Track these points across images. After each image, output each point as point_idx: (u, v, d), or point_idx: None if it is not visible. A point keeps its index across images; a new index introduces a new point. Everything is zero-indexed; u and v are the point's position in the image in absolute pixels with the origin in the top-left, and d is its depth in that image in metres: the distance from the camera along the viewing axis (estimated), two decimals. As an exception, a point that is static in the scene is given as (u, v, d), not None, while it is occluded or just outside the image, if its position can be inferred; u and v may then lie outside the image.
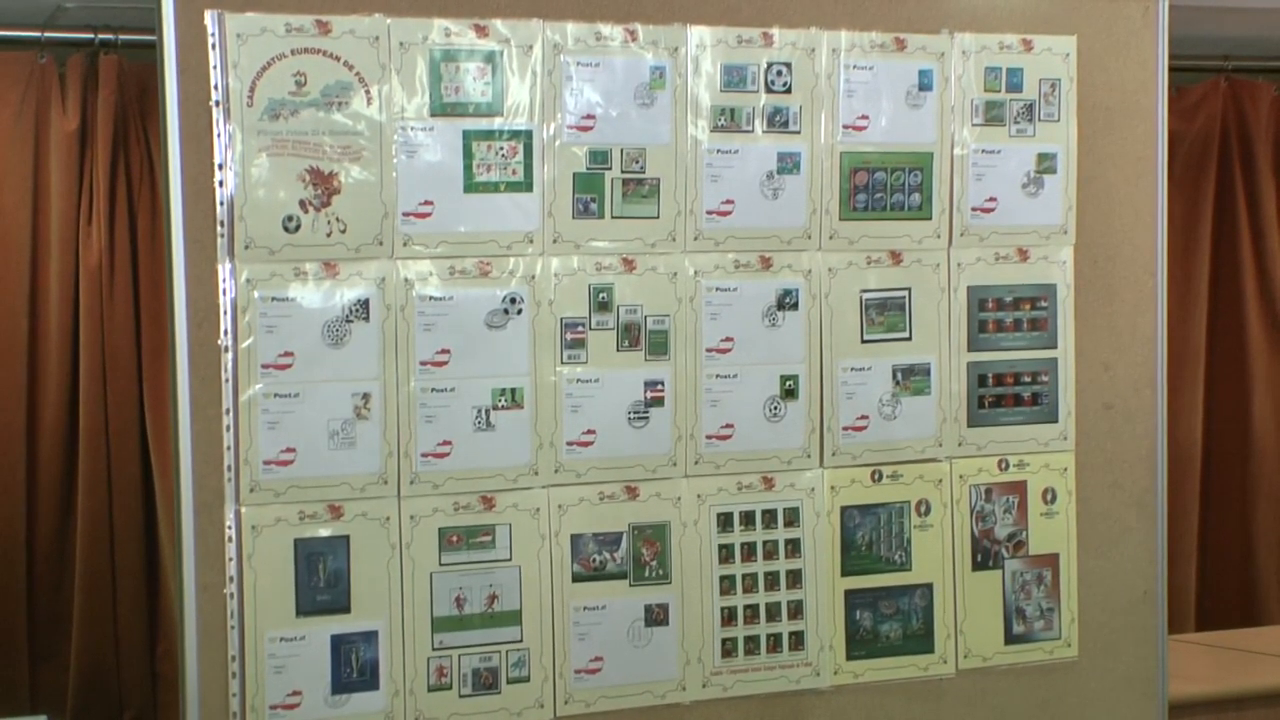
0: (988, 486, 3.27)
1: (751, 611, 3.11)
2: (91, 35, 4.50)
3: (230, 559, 2.79)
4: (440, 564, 2.91)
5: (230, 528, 2.79)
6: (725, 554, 3.10)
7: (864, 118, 3.15)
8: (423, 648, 2.91)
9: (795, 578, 3.14)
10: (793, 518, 3.14)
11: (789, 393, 3.12)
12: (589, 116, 2.97)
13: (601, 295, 3.00)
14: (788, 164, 3.10)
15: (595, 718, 3.02)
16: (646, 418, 3.03)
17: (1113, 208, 3.34)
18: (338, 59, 2.82)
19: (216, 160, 2.77)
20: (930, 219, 3.20)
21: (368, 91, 2.84)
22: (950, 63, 3.20)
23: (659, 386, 3.04)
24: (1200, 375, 5.48)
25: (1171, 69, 3.40)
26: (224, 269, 2.78)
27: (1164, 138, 3.38)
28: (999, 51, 3.23)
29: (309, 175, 2.82)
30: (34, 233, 4.54)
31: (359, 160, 2.84)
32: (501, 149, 2.92)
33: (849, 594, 3.18)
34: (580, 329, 2.99)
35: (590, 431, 2.99)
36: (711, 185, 3.05)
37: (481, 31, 2.90)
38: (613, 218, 3.00)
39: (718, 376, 3.08)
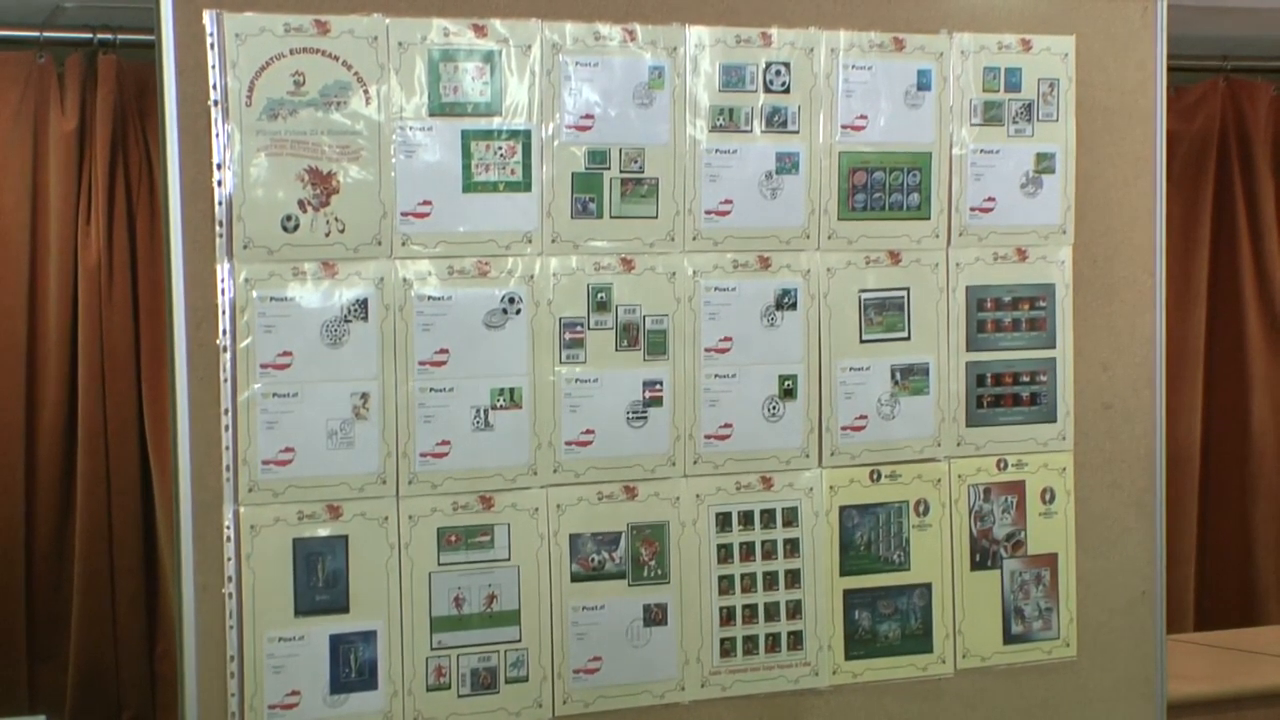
0: (986, 486, 3.27)
1: (750, 611, 3.11)
2: (90, 35, 4.50)
3: (229, 559, 2.79)
4: (439, 564, 2.91)
5: (229, 528, 2.79)
6: (724, 554, 3.10)
7: (862, 117, 3.15)
8: (421, 648, 2.91)
9: (794, 577, 3.14)
10: (791, 517, 3.14)
11: (788, 392, 3.12)
12: (588, 116, 2.97)
13: (600, 295, 3.00)
14: (786, 164, 3.10)
15: (594, 717, 3.02)
16: (645, 417, 3.03)
17: (1111, 208, 3.34)
18: (336, 59, 2.82)
19: (215, 160, 2.77)
20: (929, 219, 3.20)
21: (366, 91, 2.84)
22: (949, 63, 3.20)
23: (657, 386, 3.04)
24: (1199, 375, 5.48)
25: (1170, 69, 3.40)
26: (223, 269, 2.78)
27: (1163, 138, 3.38)
28: (998, 51, 3.23)
29: (308, 175, 2.82)
30: (33, 232, 4.54)
31: (358, 160, 2.84)
32: (500, 149, 2.92)
33: (848, 594, 3.18)
34: (579, 329, 2.99)
35: (589, 431, 2.99)
36: (710, 185, 3.05)
37: (480, 31, 2.90)
38: (611, 217, 3.00)
39: (716, 376, 3.07)
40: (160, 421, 4.49)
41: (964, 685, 3.26)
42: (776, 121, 3.09)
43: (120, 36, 4.49)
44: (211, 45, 2.75)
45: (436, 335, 2.90)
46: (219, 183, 2.77)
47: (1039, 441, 3.30)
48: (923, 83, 3.18)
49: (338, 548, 2.86)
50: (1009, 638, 3.29)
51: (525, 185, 2.94)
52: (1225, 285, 5.52)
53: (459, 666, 2.93)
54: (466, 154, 2.91)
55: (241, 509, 2.80)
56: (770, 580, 3.13)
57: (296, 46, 2.80)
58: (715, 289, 3.07)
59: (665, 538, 3.05)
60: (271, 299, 2.80)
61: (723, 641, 3.09)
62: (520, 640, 2.96)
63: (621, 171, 3.00)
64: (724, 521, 3.09)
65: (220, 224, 2.77)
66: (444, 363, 2.91)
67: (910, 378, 3.20)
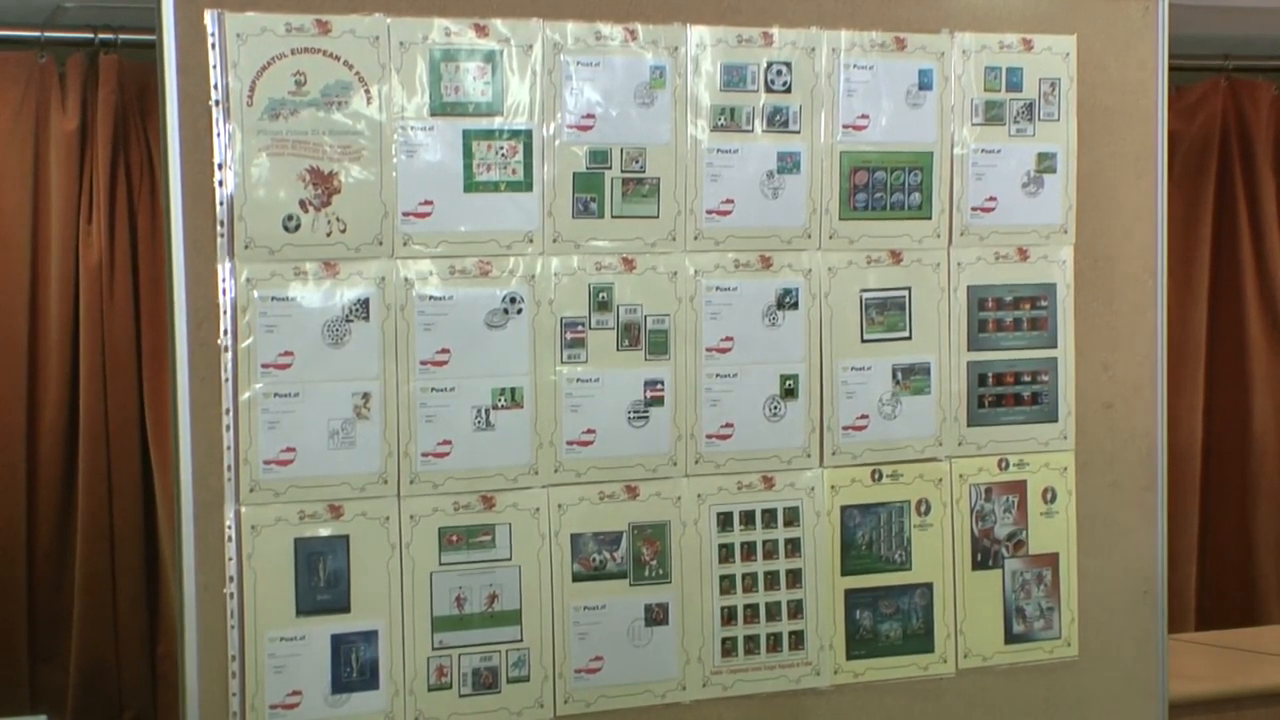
0: (987, 486, 3.27)
1: (751, 611, 3.11)
2: (91, 35, 4.50)
3: (230, 559, 2.79)
4: (440, 563, 2.91)
5: (230, 527, 2.79)
6: (725, 553, 3.10)
7: (864, 117, 3.15)
8: (423, 647, 2.91)
9: (795, 577, 3.14)
10: (793, 517, 3.14)
11: (789, 392, 3.12)
12: (589, 116, 2.97)
13: (601, 295, 3.00)
14: (788, 163, 3.10)
15: (595, 717, 3.02)
16: (646, 417, 3.03)
17: (1113, 207, 3.34)
18: (338, 59, 2.82)
19: (216, 160, 2.77)
20: (930, 218, 3.20)
21: (367, 91, 2.84)
22: (950, 62, 3.20)
23: (659, 386, 3.04)
24: (1200, 375, 5.48)
25: (1171, 68, 3.40)
26: (224, 268, 2.78)
27: (1164, 137, 3.38)
28: (999, 51, 3.23)
29: (309, 175, 2.82)
30: (34, 232, 4.54)
31: (359, 160, 2.84)
32: (501, 148, 2.92)
33: (849, 593, 3.18)
34: (580, 328, 2.99)
35: (590, 431, 2.99)
36: (711, 185, 3.05)
37: (481, 31, 2.90)
38: (613, 217, 3.00)
39: (718, 376, 3.07)
40: (161, 421, 4.49)
41: (965, 685, 3.26)
42: (778, 121, 3.09)
43: (121, 36, 4.49)
44: (213, 45, 2.75)
45: (438, 335, 2.90)
46: (220, 183, 2.77)
47: (1040, 441, 3.30)
48: (924, 82, 3.18)
49: (339, 547, 2.86)
50: (1010, 637, 3.29)
51: (526, 185, 2.94)
52: (1226, 285, 5.52)
53: (460, 666, 2.93)
54: (468, 154, 2.91)
55: (243, 509, 2.80)
56: (771, 580, 3.13)
57: (298, 46, 2.80)
58: (716, 288, 3.07)
59: (666, 537, 3.05)
60: (273, 299, 2.80)
61: (724, 641, 3.09)
62: (522, 640, 2.96)
63: (623, 171, 3.00)
64: (725, 521, 3.09)
65: (221, 224, 2.77)
66: (445, 362, 2.91)
67: (911, 377, 3.20)
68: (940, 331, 3.22)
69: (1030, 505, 3.29)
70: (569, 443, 2.98)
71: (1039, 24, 3.26)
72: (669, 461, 3.05)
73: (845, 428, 3.16)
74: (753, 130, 3.08)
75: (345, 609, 2.86)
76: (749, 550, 3.11)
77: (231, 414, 2.78)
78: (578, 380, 2.98)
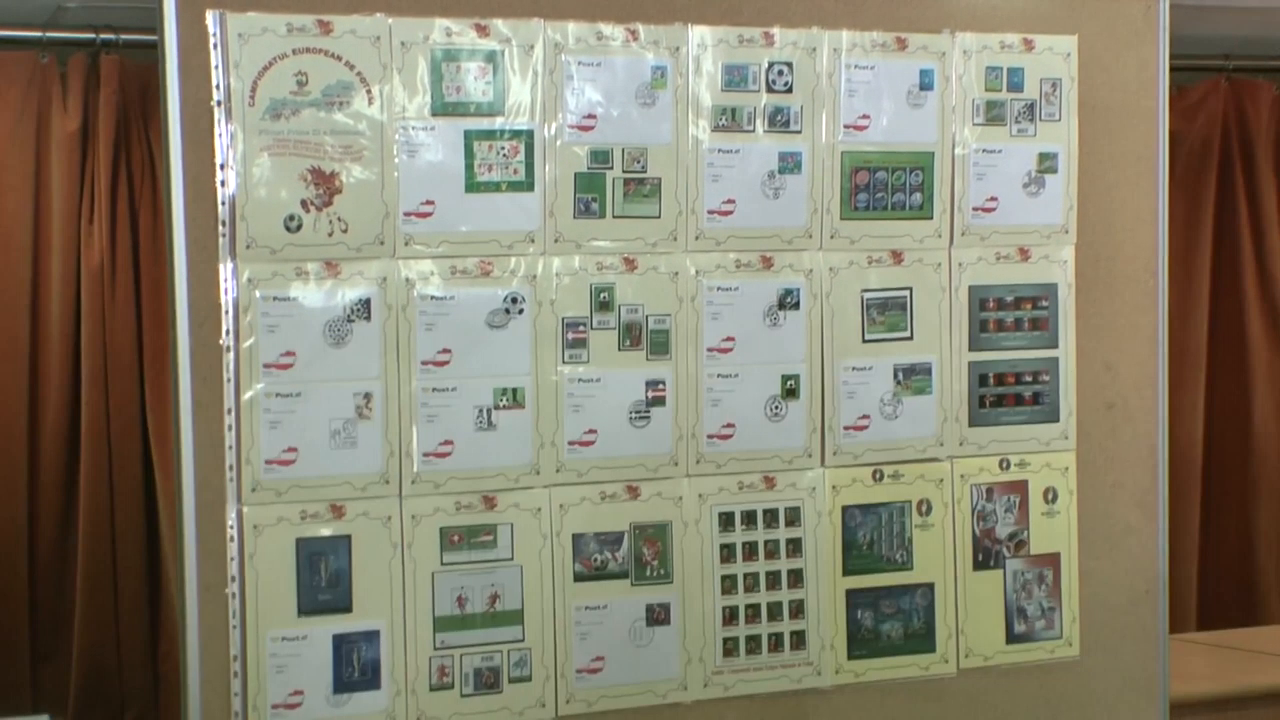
0: (989, 486, 3.27)
1: (753, 611, 3.11)
2: (93, 35, 4.50)
3: (232, 558, 2.79)
4: (442, 563, 2.91)
5: (232, 527, 2.79)
6: (726, 553, 3.10)
7: (865, 117, 3.15)
8: (424, 647, 2.91)
9: (796, 577, 3.14)
10: (794, 517, 3.14)
11: (790, 392, 3.13)
12: (590, 116, 2.97)
13: (603, 295, 3.00)
14: (789, 163, 3.10)
15: (597, 717, 3.02)
16: (648, 417, 3.03)
17: (1114, 207, 3.34)
18: (339, 59, 2.82)
19: (218, 160, 2.77)
20: (931, 218, 3.20)
21: (369, 91, 2.84)
22: (951, 62, 3.20)
23: (660, 386, 3.04)
24: (1201, 374, 5.48)
25: (1172, 68, 3.40)
26: (225, 268, 2.78)
27: (1165, 137, 3.38)
28: (1000, 51, 3.23)
29: (310, 175, 2.82)
30: (35, 233, 4.54)
31: (360, 160, 2.84)
32: (503, 148, 2.92)
33: (850, 593, 3.18)
34: (581, 328, 2.99)
35: (592, 431, 2.99)
36: (712, 185, 3.05)
37: (483, 31, 2.91)
38: (614, 217, 3.00)
39: (719, 376, 3.08)
40: (163, 421, 4.49)
41: (967, 685, 3.26)
42: (779, 121, 3.09)
43: (123, 37, 4.49)
44: (214, 45, 2.76)
45: (439, 335, 2.90)
46: (222, 183, 2.77)
47: (1041, 441, 3.30)
48: (925, 82, 3.18)
49: (340, 547, 2.86)
50: (1011, 637, 3.29)
51: (528, 185, 2.94)
52: (1227, 284, 5.52)
53: (462, 666, 2.93)
54: (469, 154, 2.91)
55: (244, 509, 2.80)
56: (773, 580, 3.13)
57: (299, 46, 2.80)
58: (718, 289, 3.07)
59: (668, 537, 3.05)
60: (274, 299, 2.81)
61: (725, 641, 3.09)
62: (523, 640, 2.96)
63: (624, 171, 3.00)
64: (727, 521, 3.09)
65: (223, 224, 2.77)
66: (447, 362, 2.91)
67: (913, 377, 3.20)
68: (941, 331, 3.22)
69: (1031, 505, 3.30)
70: (570, 443, 2.98)
71: (1040, 24, 3.27)
72: (670, 461, 3.05)
73: (846, 428, 3.16)
74: (754, 130, 3.08)
75: (347, 609, 2.86)
76: (750, 550, 3.11)
77: (233, 414, 2.78)
78: (579, 380, 2.99)
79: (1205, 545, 5.54)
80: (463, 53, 2.90)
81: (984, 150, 3.23)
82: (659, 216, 3.02)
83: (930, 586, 3.23)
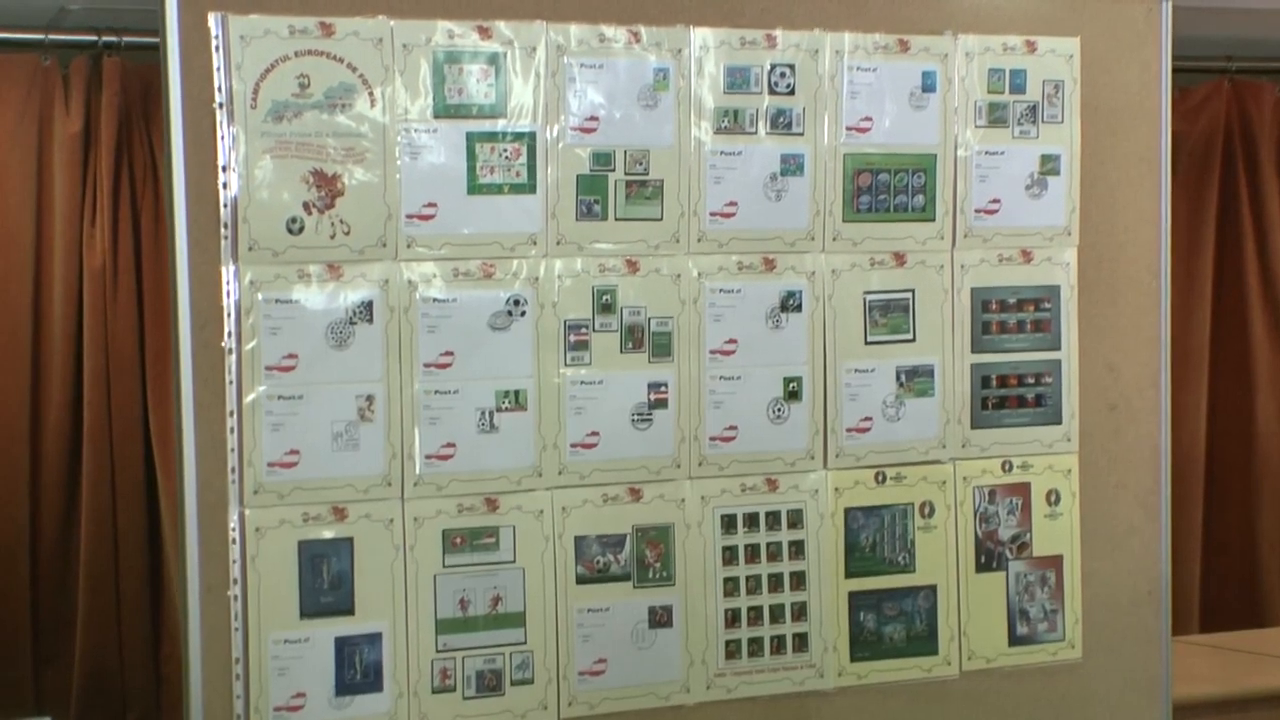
0: (991, 488, 3.27)
1: (755, 613, 3.11)
2: (95, 37, 4.50)
3: (234, 561, 2.79)
4: (444, 566, 2.91)
5: (234, 530, 2.79)
6: (729, 556, 3.10)
7: (867, 119, 3.15)
8: (426, 650, 2.91)
9: (799, 579, 3.14)
10: (796, 519, 3.13)
11: (792, 394, 3.12)
12: (592, 118, 2.97)
13: (605, 297, 3.00)
14: (791, 165, 3.10)
15: (599, 719, 3.02)
16: (650, 420, 3.03)
17: (1116, 209, 3.34)
18: (341, 61, 2.82)
19: (220, 162, 2.77)
20: (934, 220, 3.20)
21: (371, 93, 2.84)
22: (953, 64, 3.19)
23: (662, 388, 3.04)
24: (1204, 376, 5.48)
25: (1175, 70, 3.40)
26: (227, 271, 2.78)
27: (1167, 139, 3.38)
28: (1002, 53, 3.23)
29: (312, 177, 2.82)
30: (38, 235, 4.54)
31: (362, 162, 2.84)
32: (505, 151, 2.92)
33: (853, 595, 3.18)
34: (584, 331, 2.99)
35: (594, 433, 2.99)
36: (715, 187, 3.05)
37: (485, 33, 2.90)
38: (616, 219, 3.00)
39: (721, 378, 3.07)
40: (165, 424, 4.49)
41: (969, 687, 3.26)
42: (781, 123, 3.09)
43: (125, 39, 4.49)
44: (216, 48, 2.75)
45: (441, 337, 2.90)
46: (224, 185, 2.77)
47: (1044, 443, 3.30)
48: (927, 84, 3.18)
49: (343, 550, 2.86)
50: (1014, 639, 3.29)
51: (530, 187, 2.94)
52: (1230, 286, 5.52)
53: (464, 668, 2.93)
54: (471, 156, 2.91)
55: (246, 511, 2.80)
56: (775, 582, 3.13)
57: (301, 49, 2.80)
58: (720, 291, 3.07)
59: (670, 540, 3.05)
60: (276, 301, 2.81)
61: (728, 643, 3.09)
62: (525, 642, 2.96)
63: (626, 173, 3.00)
64: (729, 523, 3.09)
65: (225, 226, 2.77)
66: (449, 365, 2.91)
67: (915, 379, 3.20)
68: (944, 333, 3.22)
69: (1034, 507, 3.29)
70: (573, 445, 2.98)
71: (1042, 26, 3.26)
72: (673, 464, 3.05)
73: (849, 430, 3.16)
74: (756, 132, 3.08)
75: (349, 611, 2.86)
76: (753, 552, 3.11)
77: (235, 416, 2.78)
78: (581, 382, 2.98)
79: (1208, 547, 5.54)
80: (465, 55, 2.90)
81: (986, 152, 3.23)
82: (661, 219, 3.02)
83: (933, 588, 3.23)
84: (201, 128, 2.75)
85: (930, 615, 3.23)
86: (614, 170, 2.99)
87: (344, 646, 2.86)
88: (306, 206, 2.82)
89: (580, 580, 3.00)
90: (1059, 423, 3.30)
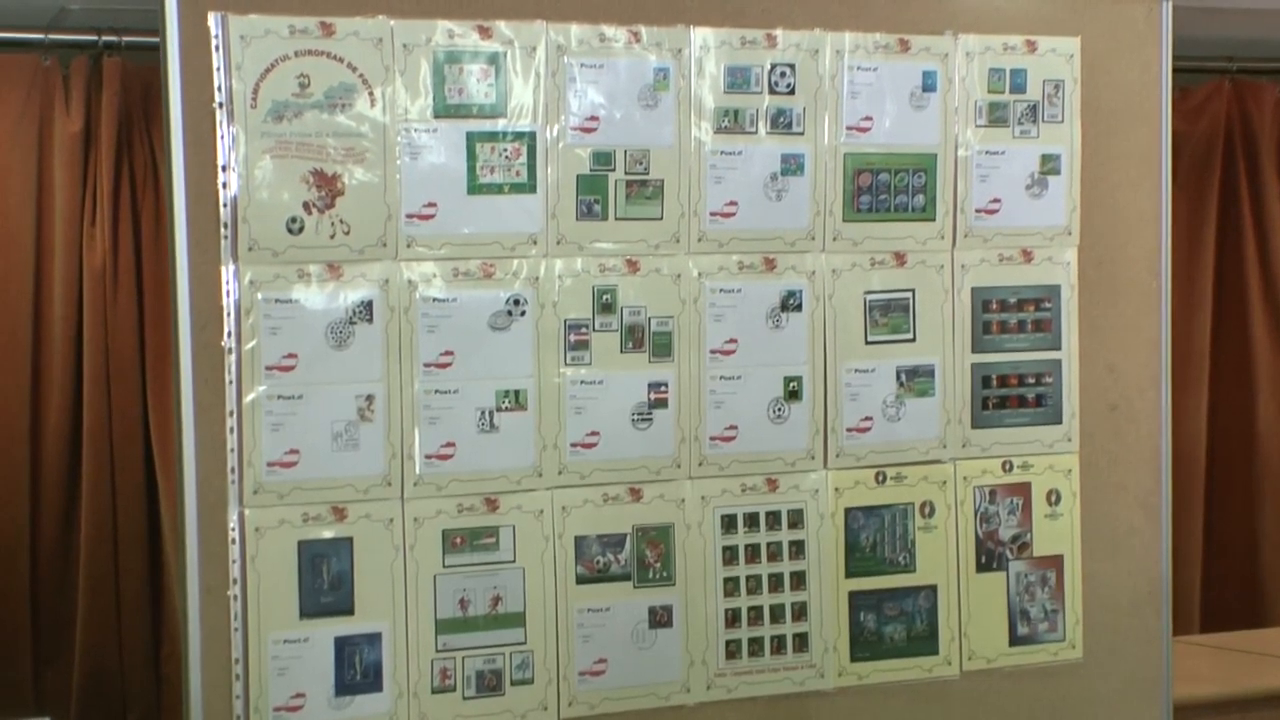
0: (992, 488, 3.27)
1: (755, 613, 3.11)
2: (95, 37, 4.50)
3: (234, 561, 2.79)
4: (444, 566, 2.91)
5: (234, 530, 2.79)
6: (729, 556, 3.09)
7: (868, 119, 3.15)
8: (426, 650, 2.90)
9: (799, 579, 3.14)
10: (797, 519, 3.13)
11: (793, 394, 3.12)
12: (593, 118, 2.97)
13: (605, 297, 3.00)
14: (791, 165, 3.10)
15: (599, 719, 3.02)
16: (650, 419, 3.03)
17: (1117, 209, 3.34)
18: (341, 61, 2.82)
19: (220, 162, 2.77)
20: (934, 220, 3.20)
21: (371, 93, 2.84)
22: (954, 64, 3.19)
23: (663, 388, 3.04)
24: (1205, 376, 5.47)
25: (1175, 70, 3.40)
26: (227, 271, 2.78)
27: (1168, 139, 3.38)
28: (1003, 53, 3.23)
29: (312, 177, 2.82)
30: (38, 234, 4.54)
31: (362, 162, 2.84)
32: (505, 150, 2.92)
33: (853, 595, 3.18)
34: (584, 331, 2.98)
35: (594, 433, 2.99)
36: (715, 187, 3.05)
37: (485, 33, 2.90)
38: (616, 219, 3.00)
39: (721, 378, 3.07)
40: (165, 424, 4.49)
41: (969, 687, 3.26)
42: (781, 123, 3.09)
43: (125, 39, 4.49)
44: (216, 48, 2.75)
45: (441, 337, 2.90)
46: (224, 185, 2.77)
47: (1044, 443, 3.30)
48: (928, 84, 3.18)
49: (342, 550, 2.86)
50: (1014, 640, 3.29)
51: (530, 187, 2.94)
52: (1230, 286, 5.52)
53: (464, 669, 2.93)
54: (471, 156, 2.91)
55: (246, 511, 2.80)
56: (775, 582, 3.12)
57: (301, 49, 2.80)
58: (720, 291, 3.07)
59: (670, 540, 3.05)
60: (276, 301, 2.80)
61: (728, 643, 3.09)
62: (525, 642, 2.96)
63: (626, 173, 3.00)
64: (729, 523, 3.09)
65: (225, 226, 2.77)
66: (449, 365, 2.91)
67: (915, 379, 3.20)
68: (944, 333, 3.22)
69: (1034, 507, 3.29)
70: (573, 445, 2.98)
71: (1043, 26, 3.26)
72: (673, 464, 3.05)
73: (849, 430, 3.16)
74: (756, 132, 3.08)
75: (349, 611, 2.86)
76: (753, 552, 3.11)
77: (235, 416, 2.78)
78: (581, 382, 2.98)
79: (1209, 547, 5.53)
80: (465, 54, 2.89)
81: (987, 152, 3.23)
82: (661, 218, 3.02)
83: (933, 589, 3.23)
84: (201, 128, 2.75)
85: (931, 615, 3.23)
86: (614, 170, 2.99)
87: (344, 647, 2.86)
88: (306, 206, 2.82)
89: (580, 580, 2.99)
90: (1059, 423, 3.30)
